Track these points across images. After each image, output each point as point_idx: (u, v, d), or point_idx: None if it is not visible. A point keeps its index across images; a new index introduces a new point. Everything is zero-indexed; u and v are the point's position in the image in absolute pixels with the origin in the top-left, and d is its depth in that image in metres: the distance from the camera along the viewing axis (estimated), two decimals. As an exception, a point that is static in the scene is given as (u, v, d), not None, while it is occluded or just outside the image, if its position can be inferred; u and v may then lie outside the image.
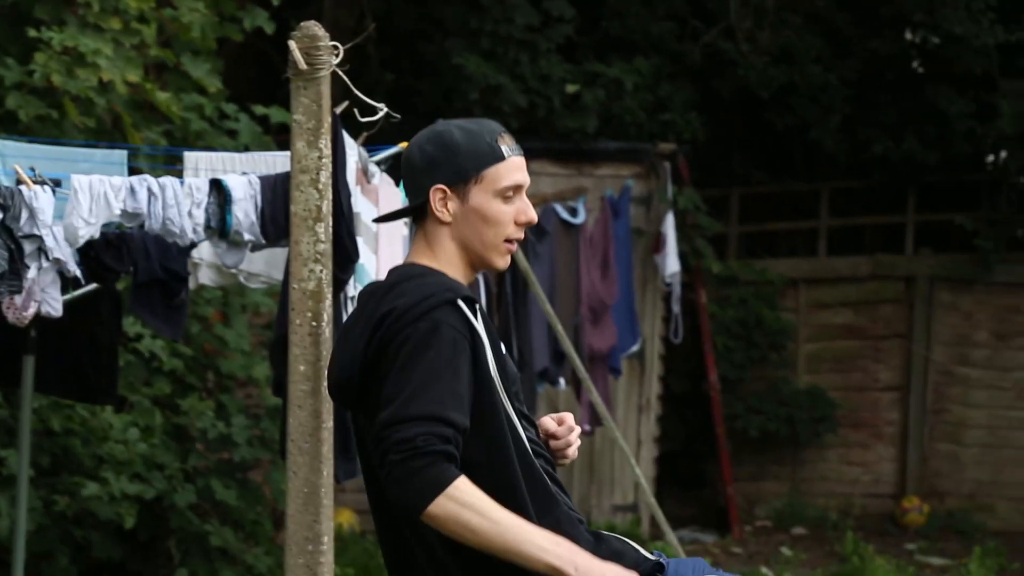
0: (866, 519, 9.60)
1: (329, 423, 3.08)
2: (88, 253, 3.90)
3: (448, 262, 2.48)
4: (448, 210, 2.47)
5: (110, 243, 4.01)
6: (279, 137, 6.55)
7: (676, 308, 8.84)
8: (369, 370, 2.39)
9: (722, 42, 10.20)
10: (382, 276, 2.88)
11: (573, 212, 7.81)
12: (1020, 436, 9.93)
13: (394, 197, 4.68)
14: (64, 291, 3.89)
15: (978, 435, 10.00)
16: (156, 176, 4.08)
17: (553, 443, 2.55)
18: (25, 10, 5.61)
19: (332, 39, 3.17)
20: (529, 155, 2.65)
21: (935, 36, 10.25)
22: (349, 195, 3.99)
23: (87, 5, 5.57)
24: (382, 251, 4.49)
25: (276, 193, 4.00)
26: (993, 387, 10.00)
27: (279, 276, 4.34)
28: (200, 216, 3.95)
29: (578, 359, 6.23)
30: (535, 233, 7.21)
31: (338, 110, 3.58)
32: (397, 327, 2.35)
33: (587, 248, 7.91)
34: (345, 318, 3.79)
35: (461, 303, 2.39)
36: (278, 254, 4.30)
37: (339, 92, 3.50)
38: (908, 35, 10.71)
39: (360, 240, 4.13)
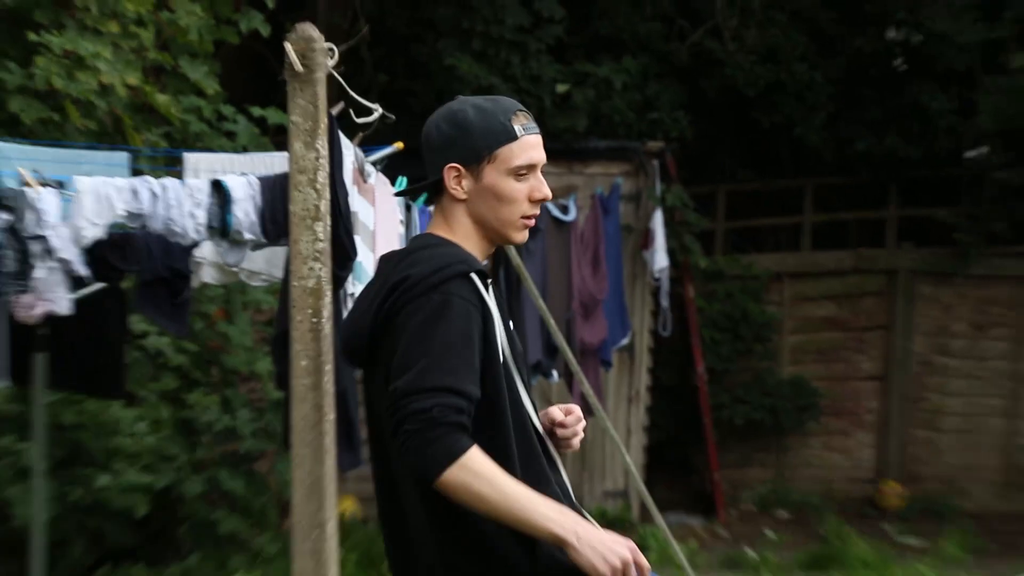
0: (847, 503, 9.67)
1: (331, 415, 3.11)
2: (94, 253, 3.91)
3: (464, 236, 2.49)
4: (462, 188, 2.47)
5: (115, 243, 4.02)
6: (276, 138, 6.56)
7: (665, 302, 8.88)
8: (379, 333, 2.40)
9: (709, 41, 10.23)
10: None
11: (564, 210, 7.82)
12: (995, 423, 10.01)
13: (390, 196, 4.71)
14: (72, 290, 3.91)
15: (955, 422, 10.08)
16: (157, 177, 4.10)
17: (560, 431, 2.58)
18: (24, 14, 5.56)
19: (327, 41, 3.17)
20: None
21: (918, 34, 10.28)
22: (346, 194, 4.00)
23: (85, 9, 5.55)
24: (379, 249, 4.51)
25: (275, 193, 4.02)
26: (970, 376, 10.08)
27: (279, 274, 4.37)
28: (201, 216, 3.97)
29: (570, 352, 6.26)
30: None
31: (334, 111, 3.60)
32: (409, 296, 2.36)
33: (578, 245, 7.93)
34: (345, 315, 3.81)
35: (474, 276, 2.40)
36: (278, 252, 4.32)
37: (335, 93, 3.52)
38: (891, 33, 10.75)
39: (358, 238, 4.16)
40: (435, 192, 2.52)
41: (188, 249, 4.17)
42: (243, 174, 4.18)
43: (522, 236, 2.54)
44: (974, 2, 9.63)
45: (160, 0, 6.02)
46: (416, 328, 2.34)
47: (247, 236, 4.02)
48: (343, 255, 3.81)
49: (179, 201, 3.94)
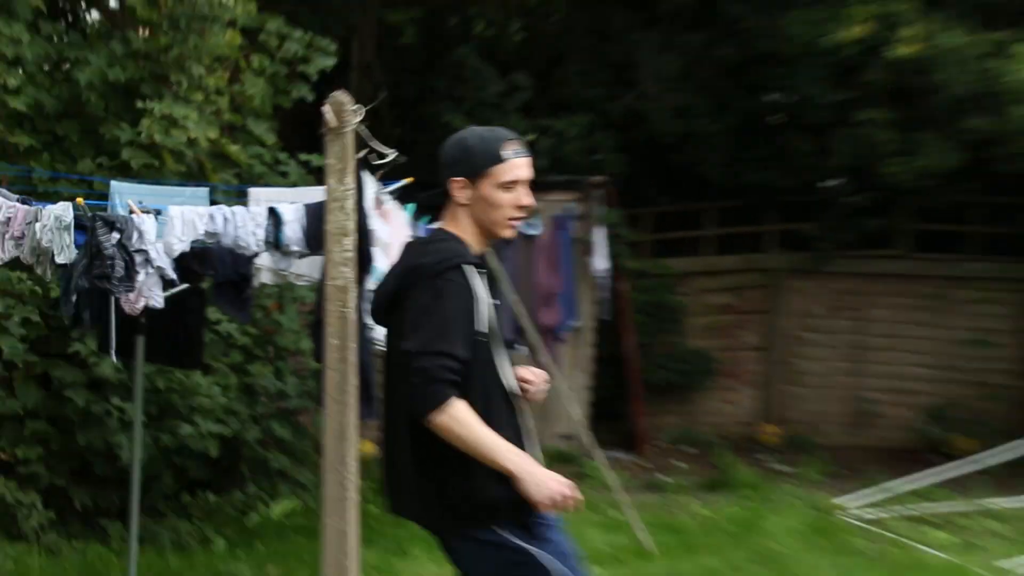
0: (736, 441, 9.73)
1: (355, 380, 3.12)
2: (181, 262, 3.92)
3: (466, 231, 2.50)
4: (465, 196, 2.49)
5: (196, 254, 4.03)
6: (317, 176, 6.56)
7: (605, 294, 8.92)
8: (396, 302, 2.44)
9: (638, 103, 10.26)
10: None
11: (531, 226, 7.85)
12: (844, 380, 10.12)
13: (401, 218, 4.72)
14: (164, 289, 3.92)
15: (814, 380, 10.18)
16: (229, 206, 4.12)
17: (528, 387, 2.62)
18: (134, 87, 5.66)
19: (355, 103, 3.19)
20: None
21: (791, 96, 10.35)
22: (367, 217, 4.02)
23: (179, 83, 5.64)
24: (392, 258, 4.51)
25: (315, 216, 4.02)
26: (826, 346, 10.18)
27: (318, 276, 4.37)
28: (261, 234, 3.98)
29: (534, 331, 6.29)
30: (503, 242, 7.24)
31: (360, 155, 3.62)
32: (420, 278, 2.40)
33: (540, 252, 7.98)
34: (365, 307, 3.83)
35: (466, 267, 2.43)
36: (317, 260, 4.31)
37: (360, 142, 3.54)
38: (772, 96, 10.81)
39: (376, 250, 4.17)
40: (446, 198, 2.55)
41: (251, 258, 4.17)
42: (292, 203, 4.20)
43: (510, 233, 2.55)
44: (831, 73, 9.69)
45: (233, 75, 6.05)
46: (424, 304, 2.37)
47: (294, 248, 4.04)
48: (365, 262, 3.82)
49: (244, 223, 3.95)
